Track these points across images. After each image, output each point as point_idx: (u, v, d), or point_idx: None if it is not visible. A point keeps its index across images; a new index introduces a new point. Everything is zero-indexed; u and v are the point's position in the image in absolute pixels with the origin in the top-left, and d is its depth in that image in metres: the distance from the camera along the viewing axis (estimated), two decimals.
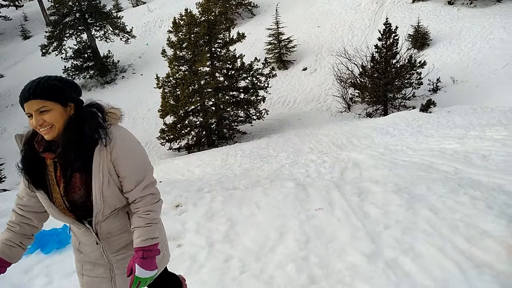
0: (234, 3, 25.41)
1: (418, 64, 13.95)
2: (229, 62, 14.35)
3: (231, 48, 14.56)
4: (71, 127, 1.46)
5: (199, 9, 14.36)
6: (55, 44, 21.60)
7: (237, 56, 14.46)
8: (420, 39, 17.08)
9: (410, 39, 17.15)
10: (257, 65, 14.85)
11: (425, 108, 11.53)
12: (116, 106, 1.63)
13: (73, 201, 1.53)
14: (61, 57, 21.46)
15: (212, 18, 14.00)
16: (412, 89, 14.36)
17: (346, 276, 2.55)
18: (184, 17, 13.77)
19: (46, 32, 22.00)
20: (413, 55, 14.17)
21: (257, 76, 14.84)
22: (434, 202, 3.43)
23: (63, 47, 21.67)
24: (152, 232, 1.60)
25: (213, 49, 14.22)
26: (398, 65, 14.00)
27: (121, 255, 1.68)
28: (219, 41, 14.38)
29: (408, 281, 2.38)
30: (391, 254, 2.71)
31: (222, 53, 14.38)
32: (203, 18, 13.87)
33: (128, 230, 1.65)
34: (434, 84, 14.59)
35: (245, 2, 25.78)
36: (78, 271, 1.76)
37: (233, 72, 14.57)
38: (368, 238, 2.99)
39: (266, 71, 15.00)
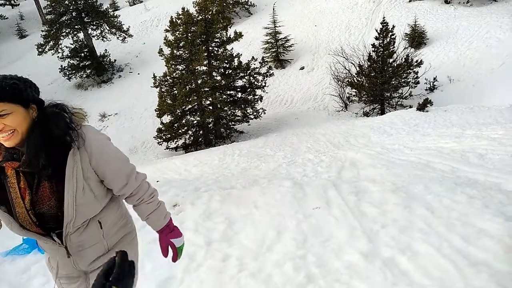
0: (231, 2, 25.39)
1: (415, 63, 13.98)
2: (226, 61, 14.33)
3: (228, 47, 14.55)
4: (36, 130, 1.30)
5: (196, 8, 14.34)
6: (51, 43, 21.50)
7: (234, 55, 14.45)
8: (417, 38, 17.12)
9: (407, 38, 17.18)
10: (254, 64, 14.84)
11: (422, 107, 11.56)
12: (78, 106, 1.48)
13: (41, 213, 1.38)
14: (58, 56, 21.37)
15: (209, 17, 13.98)
16: (409, 88, 14.39)
17: (344, 275, 2.55)
18: (181, 16, 13.75)
19: (42, 31, 21.90)
20: (410, 54, 14.20)
21: (254, 75, 14.83)
22: (431, 201, 3.44)
23: (60, 46, 21.58)
24: (164, 209, 1.68)
25: (210, 48, 14.20)
26: (395, 64, 14.03)
27: (95, 264, 1.58)
28: (216, 40, 14.36)
29: (405, 280, 2.38)
30: (388, 253, 2.71)
31: (219, 52, 14.36)
32: (200, 17, 13.84)
33: (100, 241, 1.54)
34: (431, 83, 14.63)
35: (242, 1, 25.77)
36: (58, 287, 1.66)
37: (230, 71, 14.56)
38: (365, 237, 3.00)
39: (263, 70, 15.00)
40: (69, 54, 21.81)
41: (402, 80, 14.22)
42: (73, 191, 1.35)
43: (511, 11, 16.90)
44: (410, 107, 13.36)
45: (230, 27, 15.02)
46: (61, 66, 21.48)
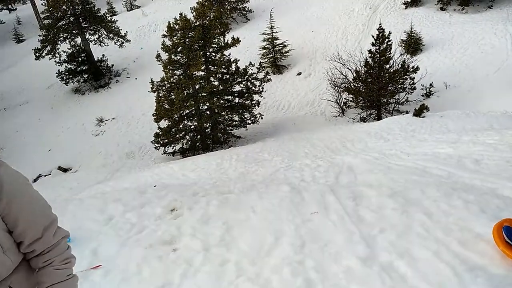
0: (228, 8, 25.49)
1: (411, 69, 14.07)
2: (223, 67, 14.37)
3: (226, 52, 14.59)
4: None
5: (194, 13, 14.38)
6: (48, 48, 21.45)
7: (231, 60, 14.49)
8: (413, 44, 17.25)
9: (403, 44, 17.31)
10: (252, 69, 14.89)
11: (418, 112, 11.62)
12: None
13: None
14: (55, 61, 21.33)
15: (207, 22, 14.03)
16: (406, 94, 14.48)
17: (342, 280, 2.56)
18: (178, 22, 13.79)
19: (39, 35, 21.85)
20: (406, 60, 14.30)
21: (252, 81, 14.87)
22: (428, 206, 3.45)
23: (57, 51, 21.53)
24: (75, 286, 1.28)
25: (207, 53, 14.23)
26: (392, 70, 14.11)
27: None
28: (214, 45, 14.40)
29: (403, 284, 2.39)
30: (386, 258, 2.72)
31: (217, 58, 14.40)
32: (197, 23, 13.89)
33: None
34: (427, 89, 14.73)
35: (240, 7, 25.88)
36: None
37: (227, 76, 14.59)
38: (363, 242, 3.00)
39: (260, 75, 15.03)
40: (67, 59, 21.76)
41: (399, 86, 14.30)
42: None
43: (505, 18, 17.09)
44: (407, 112, 13.43)
45: (227, 33, 15.07)
46: (58, 70, 21.43)
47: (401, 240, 2.93)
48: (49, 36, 21.25)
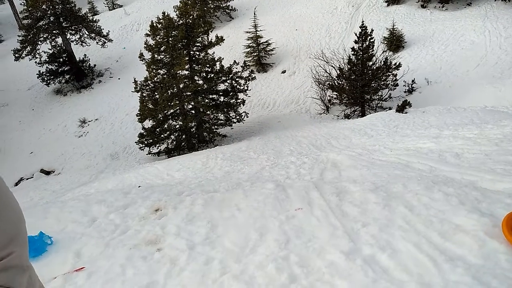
0: (212, 6, 25.38)
1: (394, 66, 14.27)
2: (208, 66, 14.32)
3: (210, 51, 14.53)
4: None
5: (177, 12, 14.28)
6: (28, 48, 21.01)
7: (216, 59, 14.45)
8: (395, 41, 17.49)
9: (385, 42, 17.53)
10: (236, 68, 14.88)
11: (401, 108, 11.80)
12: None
13: None
14: (36, 62, 20.91)
15: (190, 21, 13.95)
16: (388, 90, 14.67)
17: (326, 274, 2.58)
18: (161, 21, 13.67)
19: (19, 36, 21.37)
20: (388, 57, 14.50)
21: (237, 79, 14.86)
22: (409, 199, 3.51)
23: (37, 52, 21.11)
24: None
25: (191, 52, 14.16)
26: (375, 67, 14.29)
27: None
28: (198, 44, 14.33)
29: (385, 276, 2.43)
30: (368, 251, 2.76)
31: (201, 57, 14.34)
32: (181, 22, 13.80)
33: None
34: (410, 85, 14.96)
35: (223, 5, 25.79)
36: None
37: (212, 75, 14.55)
38: (347, 236, 3.04)
39: (245, 74, 15.04)
40: (47, 60, 21.36)
41: (382, 83, 14.50)
42: None
43: (483, 15, 17.46)
44: (390, 109, 13.62)
45: (211, 32, 15.03)
46: (39, 71, 21.02)
47: (383, 233, 2.97)
48: (29, 37, 20.81)
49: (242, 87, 14.96)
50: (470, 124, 8.23)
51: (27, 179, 14.95)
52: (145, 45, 13.80)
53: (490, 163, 4.73)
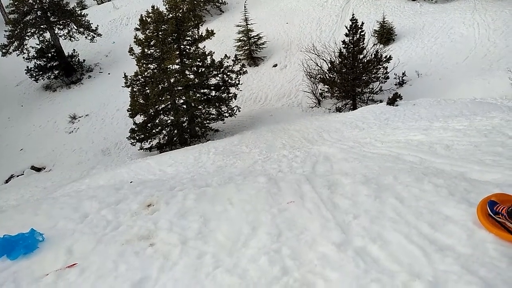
0: (202, 0, 25.18)
1: (384, 59, 14.33)
2: (198, 60, 14.23)
3: (201, 45, 14.44)
4: None
5: (167, 6, 14.14)
6: (16, 43, 20.65)
7: (206, 53, 14.36)
8: (386, 34, 17.55)
9: (376, 35, 17.58)
10: (227, 62, 14.81)
11: (392, 101, 11.87)
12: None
13: None
14: (23, 57, 20.59)
15: (180, 15, 13.83)
16: (379, 83, 14.75)
17: (317, 266, 2.60)
18: (151, 15, 13.53)
19: (5, 31, 20.98)
20: (379, 50, 14.55)
21: (228, 73, 14.80)
22: (400, 191, 3.54)
23: (25, 47, 20.76)
24: None
25: (182, 46, 14.05)
26: (365, 60, 14.33)
27: None
28: (188, 38, 14.22)
29: (376, 267, 2.46)
30: (360, 243, 2.78)
31: (191, 51, 14.24)
32: (170, 15, 13.67)
33: None
34: (400, 78, 15.05)
35: None
36: None
37: (203, 69, 14.47)
38: (338, 228, 3.06)
39: (236, 68, 14.98)
40: (36, 55, 21.04)
41: (373, 76, 14.56)
42: None
43: (472, 7, 17.58)
44: (381, 101, 13.69)
45: (201, 25, 14.90)
46: (27, 67, 20.71)
47: (375, 224, 2.99)
48: (16, 32, 20.45)
49: (233, 81, 14.91)
50: (460, 116, 8.31)
51: (17, 176, 14.78)
52: (135, 40, 13.66)
53: (479, 154, 4.79)
